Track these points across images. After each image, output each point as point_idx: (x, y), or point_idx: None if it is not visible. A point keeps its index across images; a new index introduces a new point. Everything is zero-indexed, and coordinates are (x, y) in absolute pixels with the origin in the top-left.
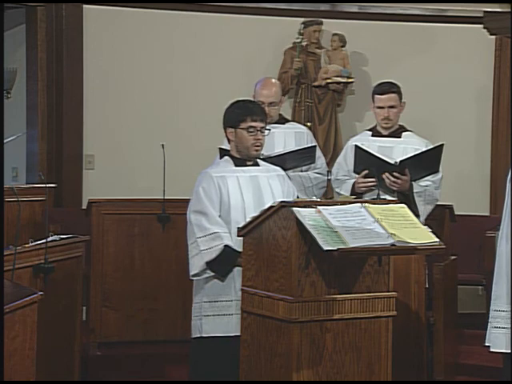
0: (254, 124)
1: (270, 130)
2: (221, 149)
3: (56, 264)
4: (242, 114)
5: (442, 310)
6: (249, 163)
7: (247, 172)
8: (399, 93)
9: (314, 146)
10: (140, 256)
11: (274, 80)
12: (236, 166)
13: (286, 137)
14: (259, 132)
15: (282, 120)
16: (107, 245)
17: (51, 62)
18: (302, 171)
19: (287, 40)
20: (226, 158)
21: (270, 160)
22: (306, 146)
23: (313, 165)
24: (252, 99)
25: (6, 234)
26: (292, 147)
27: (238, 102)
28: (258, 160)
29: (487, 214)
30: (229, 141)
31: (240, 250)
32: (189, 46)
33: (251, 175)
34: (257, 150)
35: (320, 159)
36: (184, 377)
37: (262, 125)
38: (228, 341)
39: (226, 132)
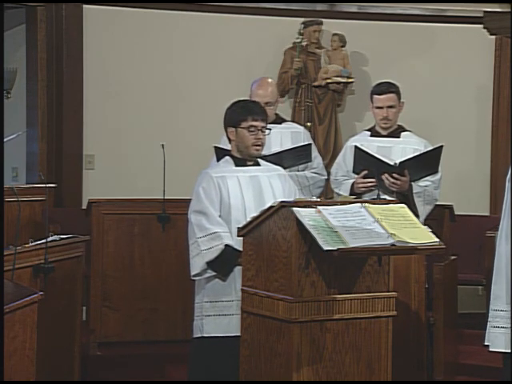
0: (254, 123)
1: (270, 129)
2: (216, 147)
3: (56, 264)
4: (243, 114)
5: (442, 310)
6: (249, 163)
7: (248, 172)
8: (398, 93)
9: (310, 144)
10: (140, 256)
11: (270, 80)
12: (236, 165)
13: (282, 137)
14: (260, 131)
15: (278, 120)
16: (107, 245)
17: (51, 62)
18: (298, 171)
19: (287, 40)
20: (227, 158)
21: (267, 159)
22: (301, 144)
23: (310, 164)
24: (255, 99)
25: (6, 234)
26: (288, 147)
27: (239, 101)
28: (259, 160)
29: (487, 213)
30: (229, 140)
31: (241, 249)
32: (189, 45)
33: (252, 175)
34: (257, 150)
35: (317, 159)
36: (184, 377)
37: (262, 124)
38: (228, 341)
39: (226, 132)
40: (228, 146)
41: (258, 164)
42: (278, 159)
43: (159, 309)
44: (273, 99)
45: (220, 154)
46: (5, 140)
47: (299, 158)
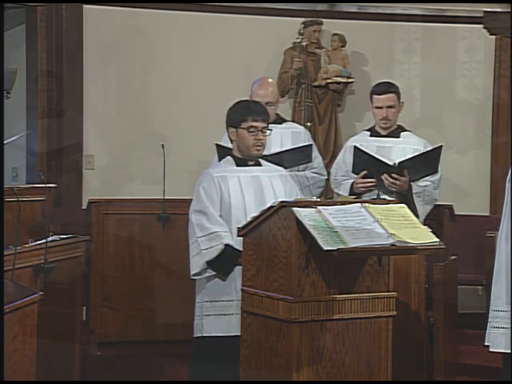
0: (254, 124)
1: (271, 130)
2: (217, 145)
3: (56, 264)
4: (244, 114)
5: (442, 310)
6: (250, 163)
7: (249, 172)
8: (397, 93)
9: (310, 145)
10: (140, 256)
11: (270, 80)
12: (237, 165)
13: (282, 137)
14: (260, 132)
15: (278, 120)
16: (107, 245)
17: (51, 62)
18: (298, 171)
19: (287, 40)
20: (228, 158)
21: (267, 159)
22: (302, 145)
23: (310, 164)
24: (255, 99)
25: (6, 234)
26: (289, 147)
27: (240, 101)
28: (260, 160)
29: (487, 213)
30: (231, 140)
31: (241, 248)
32: (189, 46)
33: (253, 175)
34: (258, 150)
35: (317, 159)
36: (184, 377)
37: (263, 125)
38: (228, 341)
39: (228, 132)
40: (229, 144)
41: (259, 164)
42: (278, 159)
43: (159, 309)
44: (273, 99)
45: (221, 152)
46: (5, 142)
47: (300, 159)
